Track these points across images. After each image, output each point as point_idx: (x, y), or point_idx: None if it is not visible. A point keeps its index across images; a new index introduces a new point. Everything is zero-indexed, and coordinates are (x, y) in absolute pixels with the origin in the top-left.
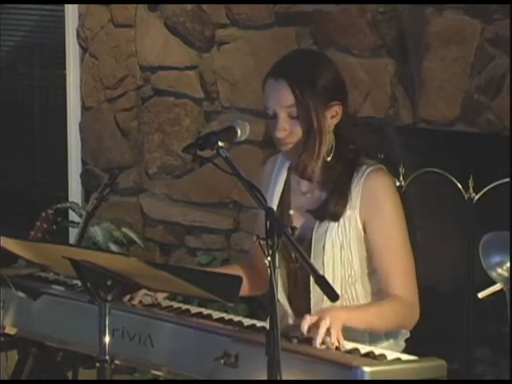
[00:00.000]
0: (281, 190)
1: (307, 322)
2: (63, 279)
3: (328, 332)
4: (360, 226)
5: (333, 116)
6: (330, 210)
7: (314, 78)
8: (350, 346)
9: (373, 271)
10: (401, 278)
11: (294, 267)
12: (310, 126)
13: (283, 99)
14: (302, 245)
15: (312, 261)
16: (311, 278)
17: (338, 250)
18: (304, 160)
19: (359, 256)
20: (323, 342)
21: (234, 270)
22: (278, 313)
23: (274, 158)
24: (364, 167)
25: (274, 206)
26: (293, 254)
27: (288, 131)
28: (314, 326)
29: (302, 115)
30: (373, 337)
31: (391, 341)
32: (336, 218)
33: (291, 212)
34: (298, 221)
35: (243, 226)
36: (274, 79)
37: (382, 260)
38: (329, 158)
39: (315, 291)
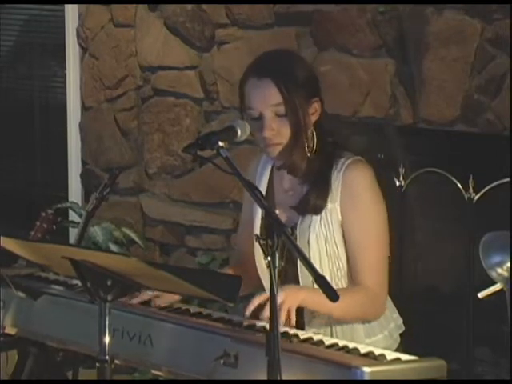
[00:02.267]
0: (265, 188)
1: (257, 300)
2: (63, 279)
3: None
4: (340, 219)
5: (313, 113)
6: (311, 203)
7: (295, 75)
8: (350, 345)
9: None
10: (369, 270)
11: (282, 266)
12: (298, 124)
13: (270, 98)
14: None
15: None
16: (300, 277)
17: (323, 244)
18: (295, 159)
19: (345, 249)
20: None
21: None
22: (278, 313)
23: (258, 157)
24: (343, 159)
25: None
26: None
27: (275, 130)
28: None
29: (291, 113)
30: (367, 328)
31: (386, 333)
32: (317, 210)
33: (277, 211)
34: (281, 218)
35: None
36: (257, 78)
37: (353, 252)
38: (309, 154)
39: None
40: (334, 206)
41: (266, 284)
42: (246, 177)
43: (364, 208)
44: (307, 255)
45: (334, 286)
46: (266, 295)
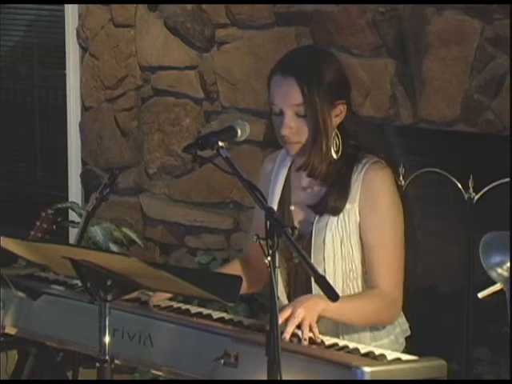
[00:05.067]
0: (281, 187)
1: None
2: (63, 279)
3: (299, 326)
4: (359, 220)
5: (337, 115)
6: (329, 204)
7: (321, 77)
8: (350, 345)
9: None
10: (386, 273)
11: (293, 264)
12: (317, 126)
13: (291, 98)
14: (303, 240)
15: (313, 255)
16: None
17: (339, 245)
18: (314, 161)
19: (360, 250)
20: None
21: (234, 267)
22: (278, 313)
23: (273, 156)
24: (364, 161)
25: (275, 203)
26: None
27: (294, 129)
28: (287, 322)
29: (310, 114)
30: (374, 334)
31: (392, 337)
32: (336, 212)
33: (292, 208)
34: (298, 216)
35: (243, 225)
36: (282, 76)
37: (370, 253)
38: (334, 156)
39: (316, 288)
40: (352, 207)
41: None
42: (261, 174)
43: (382, 210)
44: (322, 255)
45: (346, 288)
46: (288, 312)
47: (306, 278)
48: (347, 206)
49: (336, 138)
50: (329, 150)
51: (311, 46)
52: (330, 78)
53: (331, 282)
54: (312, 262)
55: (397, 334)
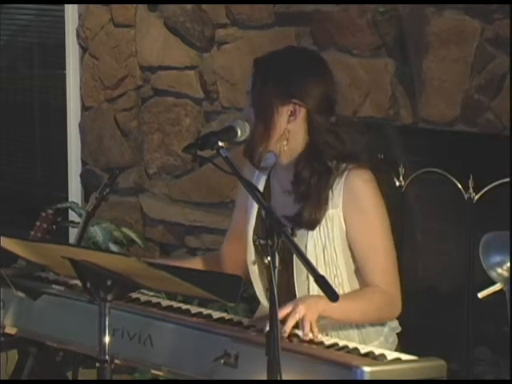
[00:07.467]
0: (262, 190)
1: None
2: (63, 279)
3: (300, 323)
4: (343, 225)
5: (291, 114)
6: (305, 218)
7: (283, 69)
8: (350, 345)
9: (358, 269)
10: (381, 273)
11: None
12: (257, 113)
13: (248, 84)
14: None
15: (295, 262)
16: (295, 280)
17: (321, 251)
18: (250, 144)
19: (344, 255)
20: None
21: (196, 262)
22: (278, 313)
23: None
24: (344, 165)
25: (256, 206)
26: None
27: (247, 118)
28: (287, 318)
29: (253, 101)
30: (361, 331)
31: (381, 339)
32: (312, 226)
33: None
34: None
35: None
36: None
37: (362, 256)
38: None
39: (300, 293)
40: (335, 212)
41: (258, 289)
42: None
43: (369, 212)
44: None
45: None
46: (288, 308)
47: (288, 282)
48: (330, 211)
49: (287, 135)
50: (269, 141)
51: (311, 50)
52: (298, 76)
53: (315, 290)
54: (295, 269)
55: (386, 335)
